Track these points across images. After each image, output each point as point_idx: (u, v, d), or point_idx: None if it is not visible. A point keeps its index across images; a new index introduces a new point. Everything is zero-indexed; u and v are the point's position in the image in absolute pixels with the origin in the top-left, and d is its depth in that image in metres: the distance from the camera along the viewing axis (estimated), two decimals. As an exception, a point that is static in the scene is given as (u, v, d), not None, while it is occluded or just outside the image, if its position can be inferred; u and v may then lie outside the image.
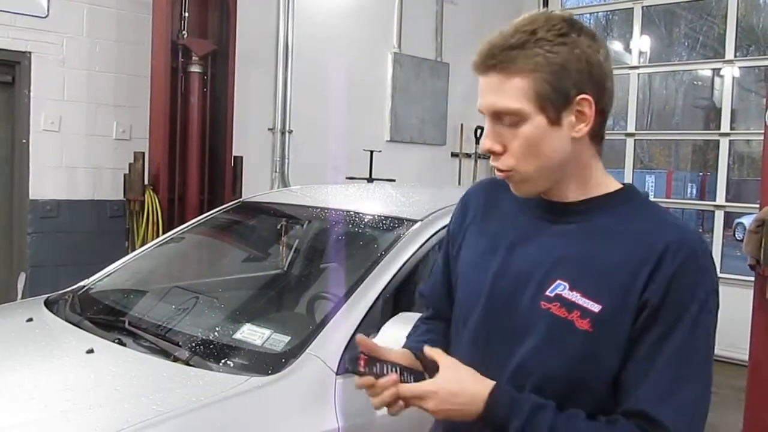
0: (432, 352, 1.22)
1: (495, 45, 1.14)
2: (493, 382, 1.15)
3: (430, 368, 1.22)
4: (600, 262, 1.14)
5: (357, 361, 1.19)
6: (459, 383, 1.15)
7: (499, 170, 1.20)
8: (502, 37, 1.14)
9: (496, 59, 1.14)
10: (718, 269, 1.09)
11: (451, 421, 1.29)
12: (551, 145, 1.15)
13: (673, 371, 1.09)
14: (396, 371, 1.19)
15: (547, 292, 1.16)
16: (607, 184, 1.22)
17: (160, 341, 2.19)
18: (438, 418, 1.20)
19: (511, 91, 1.13)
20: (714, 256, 1.20)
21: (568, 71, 1.13)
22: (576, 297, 1.14)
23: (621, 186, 1.23)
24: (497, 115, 1.16)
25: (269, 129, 5.56)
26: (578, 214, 1.20)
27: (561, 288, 1.15)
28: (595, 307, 1.12)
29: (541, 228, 1.22)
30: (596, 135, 1.19)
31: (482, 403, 1.13)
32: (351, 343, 1.99)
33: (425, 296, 1.52)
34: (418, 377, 1.21)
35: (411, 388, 1.17)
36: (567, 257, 1.17)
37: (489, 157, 1.23)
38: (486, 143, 1.19)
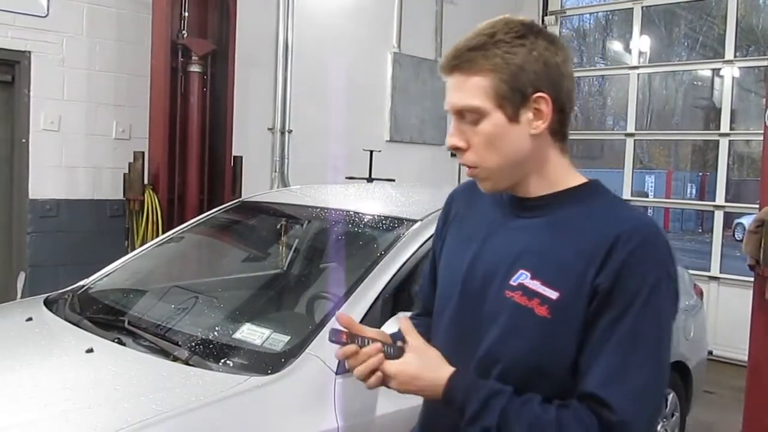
0: (406, 330, 1.28)
1: (458, 48, 1.23)
2: (452, 369, 1.22)
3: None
4: (559, 252, 1.20)
5: (339, 334, 1.25)
6: (420, 368, 1.22)
7: (466, 167, 1.27)
8: (465, 40, 1.23)
9: (458, 60, 1.23)
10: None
11: (426, 413, 1.40)
12: (510, 141, 1.22)
13: (623, 355, 1.13)
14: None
15: (511, 282, 1.22)
16: (570, 179, 1.27)
17: (160, 341, 2.20)
18: (402, 393, 1.27)
19: (472, 90, 1.21)
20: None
21: (525, 71, 1.19)
22: (536, 285, 1.19)
23: (585, 181, 1.28)
24: (460, 113, 1.24)
25: (269, 129, 5.56)
26: (541, 208, 1.26)
27: (523, 277, 1.21)
28: (553, 295, 1.17)
29: (509, 222, 1.29)
30: (558, 132, 1.25)
31: (441, 388, 1.21)
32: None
33: (419, 294, 1.59)
34: (398, 352, 1.25)
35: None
36: (530, 249, 1.23)
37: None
38: (450, 140, 1.27)
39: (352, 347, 1.24)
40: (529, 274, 1.20)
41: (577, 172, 1.29)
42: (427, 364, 1.22)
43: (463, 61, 1.22)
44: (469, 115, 1.22)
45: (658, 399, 1.18)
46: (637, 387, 1.13)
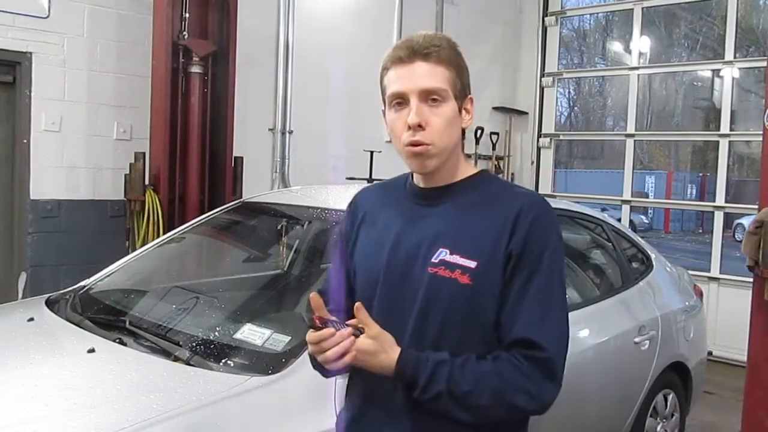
0: (362, 317, 1.36)
1: (419, 43, 1.42)
2: (399, 349, 1.37)
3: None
4: (471, 229, 1.43)
5: (313, 319, 1.34)
6: (376, 350, 1.35)
7: (419, 144, 1.41)
8: (422, 39, 1.43)
9: (429, 50, 1.41)
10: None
11: (366, 380, 1.48)
12: (456, 127, 1.47)
13: (540, 305, 1.39)
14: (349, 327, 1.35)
15: (433, 259, 1.42)
16: (468, 170, 1.53)
17: (161, 341, 2.20)
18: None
19: (440, 76, 1.42)
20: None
21: (465, 74, 1.48)
22: (456, 259, 1.40)
23: (478, 170, 1.54)
24: (426, 95, 1.41)
25: (269, 129, 5.57)
26: (448, 195, 1.49)
27: (443, 254, 1.41)
28: (472, 264, 1.39)
29: (420, 211, 1.49)
30: (462, 133, 1.52)
31: (393, 368, 1.36)
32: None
33: (325, 294, 1.61)
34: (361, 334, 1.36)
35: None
36: (445, 230, 1.44)
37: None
38: (414, 119, 1.40)
39: (329, 330, 1.32)
40: (447, 251, 1.41)
41: (470, 164, 1.57)
42: (382, 346, 1.36)
43: (428, 53, 1.41)
44: (435, 96, 1.41)
45: (567, 335, 1.43)
46: (556, 328, 1.40)
